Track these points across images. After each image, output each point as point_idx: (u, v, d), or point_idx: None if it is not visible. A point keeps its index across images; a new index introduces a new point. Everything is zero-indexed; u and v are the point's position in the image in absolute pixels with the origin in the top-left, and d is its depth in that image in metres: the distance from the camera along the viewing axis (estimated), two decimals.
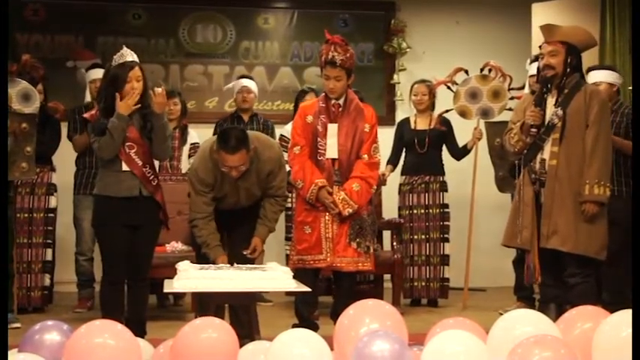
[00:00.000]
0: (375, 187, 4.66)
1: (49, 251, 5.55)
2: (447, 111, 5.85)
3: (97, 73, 5.32)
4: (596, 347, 2.76)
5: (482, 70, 5.80)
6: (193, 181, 4.19)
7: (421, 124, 5.90)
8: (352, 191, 4.41)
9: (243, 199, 4.26)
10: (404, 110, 6.85)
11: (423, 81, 5.94)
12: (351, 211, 4.40)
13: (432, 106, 5.93)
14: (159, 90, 4.12)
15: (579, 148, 4.21)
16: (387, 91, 7.21)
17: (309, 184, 4.40)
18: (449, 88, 5.85)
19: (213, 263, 4.03)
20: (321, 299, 5.11)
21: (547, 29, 4.34)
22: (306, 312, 4.53)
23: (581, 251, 4.18)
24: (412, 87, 5.97)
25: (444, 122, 5.84)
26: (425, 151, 5.83)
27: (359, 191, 4.41)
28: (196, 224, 4.19)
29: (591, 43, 4.51)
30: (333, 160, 4.46)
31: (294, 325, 4.24)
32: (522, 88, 5.76)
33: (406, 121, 6.00)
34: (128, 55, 4.10)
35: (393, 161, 5.92)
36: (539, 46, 4.46)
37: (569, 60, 4.27)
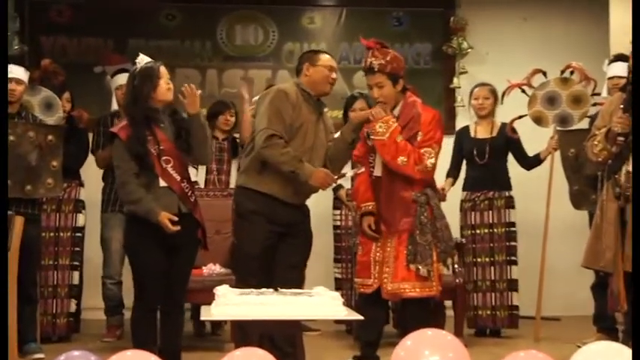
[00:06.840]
0: (407, 170, 4.38)
1: (76, 274, 5.58)
2: (520, 117, 5.77)
3: (124, 79, 5.29)
4: None
5: (562, 72, 5.71)
6: (276, 98, 4.18)
7: (482, 132, 5.84)
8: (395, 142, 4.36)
9: (318, 142, 4.28)
10: (464, 117, 6.77)
11: (484, 84, 5.89)
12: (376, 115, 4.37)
13: (493, 113, 5.88)
14: (188, 88, 4.08)
15: None
16: (446, 97, 7.18)
17: (357, 208, 4.55)
18: (524, 91, 5.77)
19: (305, 174, 4.10)
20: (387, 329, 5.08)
21: None
22: (369, 345, 4.52)
23: None
24: (472, 91, 5.92)
25: (504, 129, 5.78)
26: (485, 162, 5.76)
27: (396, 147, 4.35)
28: (274, 139, 4.10)
29: None
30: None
31: (355, 358, 4.36)
32: (600, 93, 5.66)
33: (465, 129, 5.95)
34: (147, 58, 4.15)
35: (453, 174, 5.86)
36: None
37: None
